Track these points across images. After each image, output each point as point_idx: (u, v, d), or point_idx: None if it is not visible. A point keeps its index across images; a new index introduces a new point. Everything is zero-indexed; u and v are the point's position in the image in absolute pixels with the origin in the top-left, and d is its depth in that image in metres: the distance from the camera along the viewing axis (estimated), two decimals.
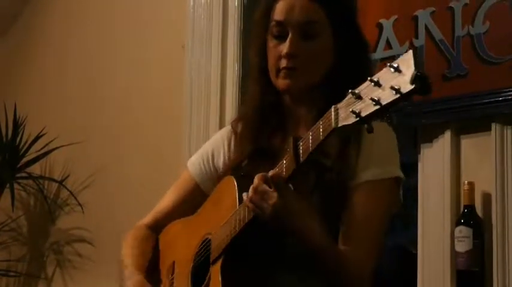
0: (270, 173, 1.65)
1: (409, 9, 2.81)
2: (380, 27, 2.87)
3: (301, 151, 1.58)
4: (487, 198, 2.61)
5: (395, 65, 1.35)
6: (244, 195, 1.70)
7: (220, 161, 2.04)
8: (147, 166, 3.60)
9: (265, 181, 1.65)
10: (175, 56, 3.56)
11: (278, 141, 1.91)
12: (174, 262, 2.01)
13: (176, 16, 3.62)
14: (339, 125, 1.46)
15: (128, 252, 2.06)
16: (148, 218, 2.13)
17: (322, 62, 1.87)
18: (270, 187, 1.64)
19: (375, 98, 1.37)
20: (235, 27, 3.42)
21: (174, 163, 3.39)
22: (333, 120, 1.48)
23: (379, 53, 2.84)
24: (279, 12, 1.88)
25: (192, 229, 1.97)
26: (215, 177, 2.03)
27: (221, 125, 3.35)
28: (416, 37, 2.78)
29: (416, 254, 2.74)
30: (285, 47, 1.85)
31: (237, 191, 1.78)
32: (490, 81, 2.60)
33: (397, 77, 1.35)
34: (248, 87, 2.02)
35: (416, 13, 2.79)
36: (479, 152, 2.66)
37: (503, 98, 2.56)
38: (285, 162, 1.63)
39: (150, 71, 3.69)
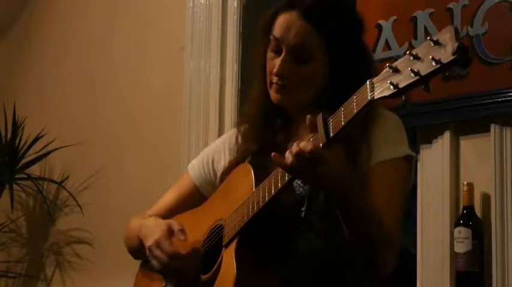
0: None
1: (408, 10, 2.82)
2: (379, 28, 2.87)
3: (331, 126, 1.57)
4: (486, 199, 2.61)
5: (435, 39, 1.37)
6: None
7: (221, 165, 2.04)
8: (146, 168, 3.60)
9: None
10: (175, 58, 3.56)
11: (282, 141, 1.92)
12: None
13: (175, 18, 3.62)
14: (376, 97, 1.46)
15: (137, 223, 2.05)
16: (145, 213, 2.13)
17: (312, 84, 1.86)
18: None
19: (415, 70, 1.39)
20: (235, 29, 3.42)
21: (173, 164, 3.39)
22: (368, 93, 1.48)
23: (378, 54, 2.84)
24: (277, 28, 1.86)
25: (201, 217, 1.97)
26: (215, 181, 2.04)
27: (220, 127, 3.35)
28: (415, 38, 2.78)
29: (415, 255, 2.74)
30: (276, 65, 1.85)
31: (253, 177, 1.79)
32: (489, 82, 2.60)
33: (437, 49, 1.37)
34: (252, 87, 2.02)
35: (415, 14, 2.79)
36: (479, 153, 2.67)
37: (502, 99, 2.57)
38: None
39: (150, 72, 3.69)
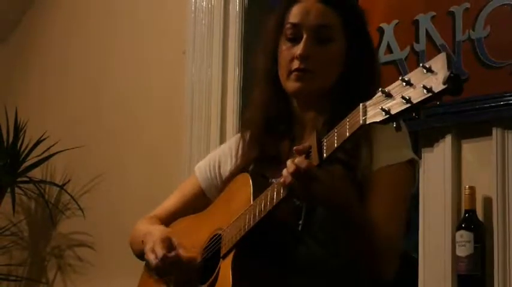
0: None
1: (409, 13, 2.82)
2: (381, 31, 2.88)
3: (325, 148, 1.58)
4: (487, 202, 2.61)
5: (427, 66, 1.37)
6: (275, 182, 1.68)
7: (227, 169, 2.04)
8: (147, 171, 3.60)
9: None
10: (177, 61, 3.57)
11: (285, 148, 1.92)
12: None
13: (177, 22, 3.62)
14: (367, 122, 1.47)
15: (144, 227, 2.06)
16: (151, 215, 2.13)
17: (334, 66, 1.89)
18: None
19: (406, 97, 1.39)
20: (236, 32, 3.42)
21: (174, 168, 3.39)
22: (360, 117, 1.48)
23: (379, 58, 2.84)
24: (294, 15, 1.90)
25: (202, 224, 1.98)
26: (220, 185, 2.04)
27: (222, 131, 3.35)
28: (417, 41, 2.78)
29: (417, 259, 2.74)
30: (298, 49, 1.87)
31: (251, 188, 1.79)
32: (491, 85, 2.60)
33: (429, 77, 1.37)
34: (254, 92, 2.03)
35: (417, 17, 2.80)
36: (480, 157, 2.67)
37: (504, 102, 2.57)
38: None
39: (151, 76, 3.70)
